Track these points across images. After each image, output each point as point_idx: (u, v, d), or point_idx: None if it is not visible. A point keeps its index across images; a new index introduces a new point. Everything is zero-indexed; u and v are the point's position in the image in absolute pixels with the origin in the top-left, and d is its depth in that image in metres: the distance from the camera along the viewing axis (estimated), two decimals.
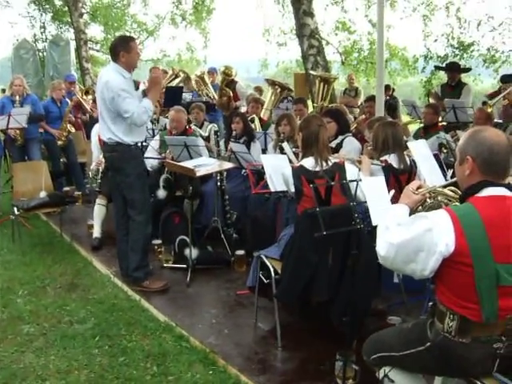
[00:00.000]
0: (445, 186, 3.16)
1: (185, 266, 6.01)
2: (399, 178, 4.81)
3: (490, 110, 6.93)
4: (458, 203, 2.90)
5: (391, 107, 10.07)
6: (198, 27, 23.23)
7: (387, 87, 12.24)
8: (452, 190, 3.06)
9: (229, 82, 10.34)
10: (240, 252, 6.14)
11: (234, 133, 7.16)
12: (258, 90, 12.74)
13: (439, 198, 3.13)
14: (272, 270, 4.44)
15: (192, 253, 5.95)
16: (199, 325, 4.92)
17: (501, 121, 7.95)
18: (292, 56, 20.80)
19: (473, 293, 2.59)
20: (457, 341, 2.70)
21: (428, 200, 3.12)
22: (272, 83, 10.48)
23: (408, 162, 4.91)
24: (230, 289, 5.70)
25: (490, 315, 2.63)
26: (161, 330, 4.81)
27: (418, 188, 3.11)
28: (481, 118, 7.20)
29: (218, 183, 6.58)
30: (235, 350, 4.50)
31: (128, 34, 21.42)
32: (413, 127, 9.33)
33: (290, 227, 4.60)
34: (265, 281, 4.56)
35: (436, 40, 16.13)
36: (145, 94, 5.61)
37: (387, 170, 4.80)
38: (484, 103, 7.34)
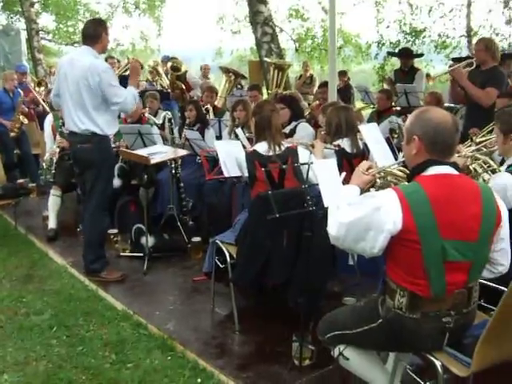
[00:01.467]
0: (395, 167, 3.24)
1: (141, 254, 5.99)
2: (352, 162, 4.86)
3: (431, 82, 7.04)
4: (406, 182, 2.96)
5: (346, 94, 10.20)
6: (151, 16, 23.09)
7: (343, 73, 12.38)
8: (401, 170, 3.14)
9: (179, 75, 10.35)
10: (196, 239, 6.15)
11: (187, 120, 7.16)
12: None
13: (389, 178, 3.21)
14: (227, 254, 4.46)
15: (148, 241, 5.96)
16: (157, 312, 4.92)
17: (452, 105, 8.12)
18: (246, 44, 20.85)
19: (421, 269, 2.66)
20: (407, 316, 2.76)
21: (378, 180, 3.20)
22: (226, 71, 10.50)
23: (361, 146, 4.98)
24: (187, 275, 5.71)
25: (439, 290, 2.70)
26: (119, 319, 4.81)
27: (368, 169, 3.17)
28: (431, 101, 7.31)
29: (173, 171, 6.57)
30: (193, 335, 4.53)
31: (81, 23, 21.14)
32: (366, 112, 9.44)
33: (245, 212, 4.64)
34: (220, 266, 4.59)
35: (388, 26, 16.35)
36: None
37: (340, 153, 4.86)
38: (427, 75, 7.45)
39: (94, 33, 5.29)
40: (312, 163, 3.90)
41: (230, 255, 4.46)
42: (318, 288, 4.30)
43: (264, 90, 10.56)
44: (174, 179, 6.61)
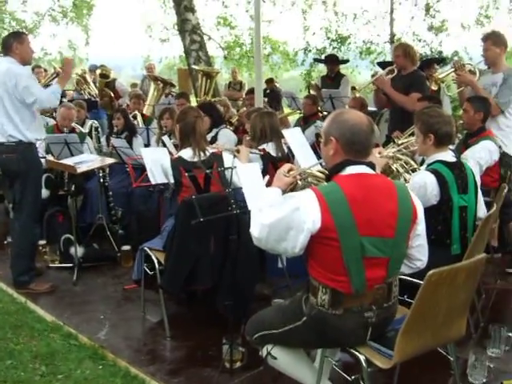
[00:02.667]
0: (314, 168, 3.32)
1: (71, 264, 5.91)
2: (277, 166, 4.92)
3: (357, 94, 7.21)
4: (325, 182, 3.05)
5: (274, 99, 10.32)
6: (79, 24, 22.79)
7: (271, 80, 12.51)
8: (320, 171, 3.22)
9: (108, 82, 10.30)
10: (126, 247, 6.12)
11: (115, 129, 7.13)
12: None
13: (309, 179, 3.29)
14: (156, 261, 4.48)
15: (77, 251, 5.88)
16: (87, 322, 4.87)
17: (375, 109, 8.32)
18: (175, 52, 20.80)
19: (341, 266, 2.73)
20: (330, 313, 2.83)
21: (299, 182, 3.28)
22: (154, 79, 10.47)
23: (285, 150, 5.08)
24: (118, 284, 5.68)
25: (359, 286, 2.78)
26: (49, 330, 4.73)
27: (289, 171, 3.24)
28: (355, 106, 7.50)
29: (101, 180, 6.52)
30: (124, 343, 4.51)
31: (6, 32, 20.66)
32: (294, 118, 9.56)
33: (172, 218, 4.65)
34: (149, 272, 4.59)
35: (314, 33, 16.57)
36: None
37: (265, 158, 4.95)
38: (353, 88, 7.63)
39: (6, 44, 5.26)
40: (235, 167, 3.96)
41: (159, 262, 4.47)
42: (247, 291, 4.35)
43: (193, 98, 10.59)
44: (102, 188, 6.56)
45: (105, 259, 6.21)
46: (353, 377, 3.11)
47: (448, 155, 4.05)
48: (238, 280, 4.14)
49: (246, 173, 3.67)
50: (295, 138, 4.66)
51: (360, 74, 17.78)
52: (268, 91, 11.83)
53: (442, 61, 7.93)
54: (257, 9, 7.45)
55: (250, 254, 4.17)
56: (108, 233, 6.42)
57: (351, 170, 2.82)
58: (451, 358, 3.28)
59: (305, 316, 2.95)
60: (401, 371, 3.71)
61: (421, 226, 3.02)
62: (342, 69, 10.48)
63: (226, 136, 6.56)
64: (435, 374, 3.85)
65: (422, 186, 3.84)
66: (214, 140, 6.33)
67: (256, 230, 2.84)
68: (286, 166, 3.28)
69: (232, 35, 19.06)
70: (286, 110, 10.67)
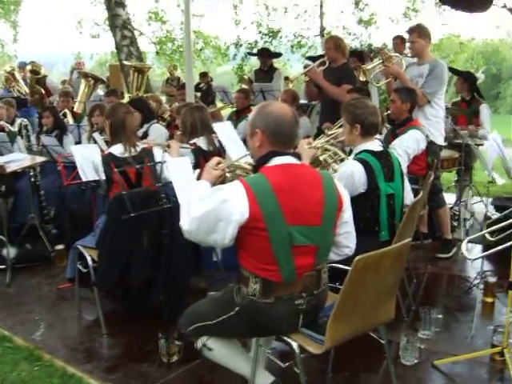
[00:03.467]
0: (242, 160, 3.37)
1: (3, 266, 5.80)
2: (209, 160, 4.96)
3: (291, 85, 7.27)
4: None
5: (209, 95, 10.33)
6: (7, 20, 22.26)
7: (205, 74, 12.50)
8: (249, 163, 3.26)
9: (38, 79, 10.12)
10: (60, 247, 6.05)
11: (44, 127, 7.02)
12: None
13: (238, 171, 3.34)
14: (89, 258, 4.44)
15: (10, 252, 5.78)
16: (22, 323, 4.80)
17: (306, 101, 8.42)
18: (107, 48, 20.51)
19: (270, 255, 2.78)
20: (261, 302, 2.88)
21: (228, 174, 3.32)
22: (85, 75, 10.34)
23: (217, 144, 5.10)
24: (52, 284, 5.61)
25: (289, 274, 2.83)
26: None
27: (218, 164, 3.29)
28: (287, 99, 7.55)
29: (32, 179, 6.40)
30: (60, 342, 4.46)
31: None
32: (227, 112, 9.58)
33: (105, 215, 4.63)
34: (83, 270, 4.56)
35: (245, 28, 16.63)
36: None
37: (196, 152, 4.96)
38: (286, 78, 7.69)
39: None
40: (165, 162, 3.97)
41: (92, 259, 4.44)
42: (181, 284, 4.37)
43: (126, 94, 10.50)
44: (33, 187, 6.45)
45: (38, 259, 6.12)
46: (286, 364, 3.16)
47: (375, 145, 4.15)
48: (172, 274, 4.17)
49: (175, 167, 3.68)
50: (226, 132, 4.70)
51: (292, 68, 17.95)
52: (202, 86, 11.83)
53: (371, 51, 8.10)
54: (187, 3, 7.44)
55: (184, 247, 4.18)
56: (41, 232, 6.32)
57: (277, 160, 2.87)
58: (383, 342, 3.36)
59: (237, 306, 2.99)
60: (335, 356, 3.81)
61: (347, 214, 3.09)
62: (275, 62, 10.55)
63: (157, 131, 6.54)
64: (368, 357, 3.95)
65: (350, 175, 3.93)
66: (145, 135, 6.31)
67: (185, 223, 2.86)
68: (215, 160, 3.32)
69: (163, 30, 18.95)
70: (219, 105, 10.71)
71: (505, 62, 33.91)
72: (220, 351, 3.21)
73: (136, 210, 3.83)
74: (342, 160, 4.20)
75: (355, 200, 3.91)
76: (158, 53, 18.80)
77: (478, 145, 6.64)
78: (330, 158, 4.24)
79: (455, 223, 7.04)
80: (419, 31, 6.14)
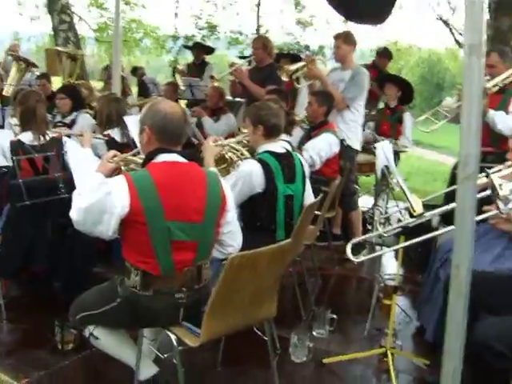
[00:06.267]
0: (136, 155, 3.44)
1: None
2: (122, 151, 4.98)
3: (216, 83, 7.34)
4: None
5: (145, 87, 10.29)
6: None
7: (139, 68, 12.40)
8: (141, 158, 3.33)
9: None
10: None
11: None
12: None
13: (132, 165, 3.40)
14: None
15: None
16: None
17: (233, 99, 8.50)
18: (46, 31, 20.03)
19: (149, 248, 2.86)
20: (141, 294, 2.96)
21: (123, 168, 3.39)
22: (16, 58, 10.16)
23: (130, 136, 5.13)
24: None
25: (167, 268, 2.92)
26: None
27: (114, 157, 3.36)
28: (214, 95, 7.66)
29: None
30: None
31: None
32: None
33: None
34: None
35: (184, 21, 16.59)
36: None
37: (110, 143, 4.98)
38: (211, 77, 7.75)
39: None
40: (67, 152, 4.00)
41: None
42: (82, 273, 4.41)
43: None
44: None
45: None
46: (165, 355, 3.24)
47: (277, 146, 4.24)
48: (74, 262, 4.19)
49: (76, 157, 3.73)
50: (137, 125, 4.73)
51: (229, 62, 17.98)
52: (139, 79, 11.74)
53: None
54: None
55: (87, 236, 4.20)
56: None
57: (163, 157, 2.96)
58: (266, 338, 3.47)
59: (119, 297, 3.06)
60: (227, 350, 3.90)
61: (231, 214, 3.20)
62: (211, 58, 10.57)
63: (85, 120, 6.48)
64: (260, 352, 4.01)
65: (248, 174, 4.01)
66: (72, 123, 6.27)
67: (74, 213, 2.92)
68: (111, 153, 3.41)
69: (104, 17, 18.71)
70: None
71: (448, 71, 34.68)
72: (106, 340, 3.27)
73: (36, 198, 3.84)
74: (246, 160, 4.28)
75: (253, 199, 4.04)
76: (97, 40, 18.58)
77: (398, 152, 6.83)
78: (236, 156, 4.31)
79: (370, 226, 7.22)
80: (345, 38, 6.28)
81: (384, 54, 8.60)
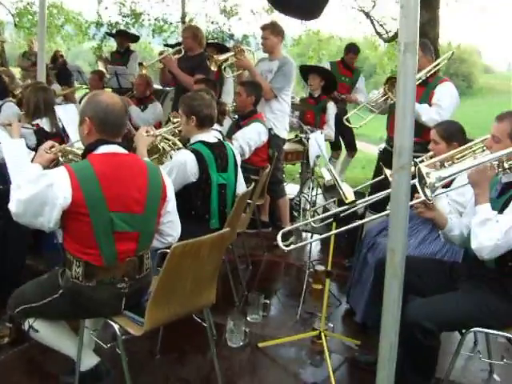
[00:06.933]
0: (75, 146, 3.44)
1: None
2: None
3: (144, 70, 7.28)
4: None
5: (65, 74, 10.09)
6: None
7: (58, 55, 12.13)
8: (80, 149, 3.33)
9: None
10: None
11: None
12: None
13: (70, 156, 3.40)
14: None
15: None
16: None
17: (161, 87, 8.47)
18: None
19: (92, 239, 2.88)
20: (84, 285, 2.97)
21: (61, 158, 3.38)
22: None
23: (60, 126, 5.08)
24: None
25: (110, 259, 2.95)
26: None
27: (51, 147, 3.35)
28: (141, 84, 7.63)
29: None
30: None
31: None
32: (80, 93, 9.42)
33: None
34: None
35: (107, 8, 16.27)
36: None
37: (39, 133, 4.93)
38: (140, 64, 7.69)
39: None
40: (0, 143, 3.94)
41: None
42: (14, 265, 4.35)
43: None
44: None
45: None
46: (108, 345, 3.27)
47: (210, 136, 4.31)
48: (6, 255, 4.14)
49: (10, 148, 3.68)
50: (68, 115, 4.71)
51: (153, 51, 17.83)
52: (59, 67, 11.50)
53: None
54: None
55: (19, 229, 4.16)
56: None
57: (104, 149, 2.97)
58: (205, 325, 3.55)
59: (61, 289, 3.06)
60: (165, 338, 3.95)
61: (171, 204, 3.26)
62: (135, 46, 10.47)
63: (10, 108, 6.33)
64: (198, 339, 4.10)
65: (182, 164, 4.07)
66: None
67: (13, 205, 2.90)
68: (48, 144, 3.39)
69: (24, 2, 18.14)
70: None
71: (367, 60, 35.32)
72: (46, 332, 3.26)
73: None
74: (179, 150, 4.33)
75: (187, 188, 4.10)
76: (16, 25, 18.02)
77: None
78: (169, 146, 4.35)
79: (296, 213, 7.38)
80: (272, 28, 6.37)
81: (351, 49, 8.55)
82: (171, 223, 3.32)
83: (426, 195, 3.05)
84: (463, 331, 3.41)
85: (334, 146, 8.63)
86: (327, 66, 8.54)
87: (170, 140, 4.39)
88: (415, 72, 2.19)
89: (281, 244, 3.47)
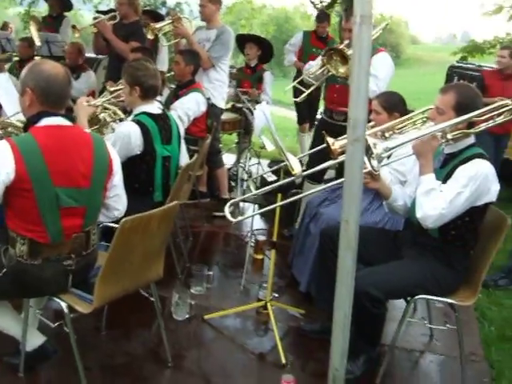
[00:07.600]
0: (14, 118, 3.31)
1: None
2: None
3: (77, 34, 7.03)
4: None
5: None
6: None
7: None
8: (21, 121, 3.20)
9: None
10: None
11: None
12: None
13: (9, 129, 3.27)
14: None
15: None
16: None
17: (94, 55, 8.23)
18: None
19: (37, 216, 2.77)
20: (29, 263, 2.87)
21: (0, 131, 3.25)
22: None
23: None
24: None
25: (56, 235, 2.86)
26: None
27: None
28: (73, 52, 7.43)
29: None
30: None
31: None
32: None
33: None
34: None
35: None
36: None
37: None
38: (73, 27, 7.42)
39: None
40: None
41: None
42: None
43: None
44: None
45: None
46: (56, 323, 3.20)
47: (153, 107, 4.21)
48: None
49: None
50: (2, 85, 4.53)
51: (83, 18, 17.33)
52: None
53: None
54: None
55: None
56: None
57: (47, 121, 2.84)
58: (152, 299, 3.52)
59: (4, 268, 2.95)
60: (109, 314, 3.90)
61: (117, 177, 3.16)
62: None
63: None
64: (143, 314, 4.07)
65: (127, 136, 3.96)
66: None
67: None
68: None
69: None
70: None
71: (297, 29, 35.47)
72: None
73: None
74: (121, 120, 4.22)
75: (131, 161, 4.00)
76: None
77: None
78: (110, 117, 4.24)
79: (233, 183, 7.37)
80: None
81: (322, 18, 8.27)
82: (117, 197, 3.23)
83: (372, 166, 3.08)
84: (408, 298, 3.50)
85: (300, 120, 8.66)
86: (300, 35, 8.48)
87: (110, 109, 4.27)
88: (370, 45, 2.18)
89: (228, 216, 3.43)
